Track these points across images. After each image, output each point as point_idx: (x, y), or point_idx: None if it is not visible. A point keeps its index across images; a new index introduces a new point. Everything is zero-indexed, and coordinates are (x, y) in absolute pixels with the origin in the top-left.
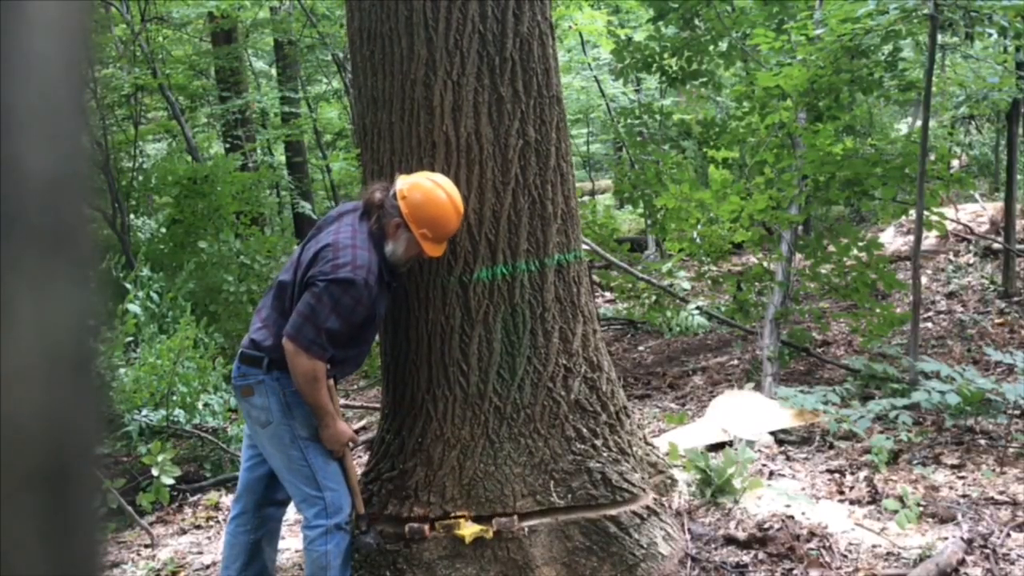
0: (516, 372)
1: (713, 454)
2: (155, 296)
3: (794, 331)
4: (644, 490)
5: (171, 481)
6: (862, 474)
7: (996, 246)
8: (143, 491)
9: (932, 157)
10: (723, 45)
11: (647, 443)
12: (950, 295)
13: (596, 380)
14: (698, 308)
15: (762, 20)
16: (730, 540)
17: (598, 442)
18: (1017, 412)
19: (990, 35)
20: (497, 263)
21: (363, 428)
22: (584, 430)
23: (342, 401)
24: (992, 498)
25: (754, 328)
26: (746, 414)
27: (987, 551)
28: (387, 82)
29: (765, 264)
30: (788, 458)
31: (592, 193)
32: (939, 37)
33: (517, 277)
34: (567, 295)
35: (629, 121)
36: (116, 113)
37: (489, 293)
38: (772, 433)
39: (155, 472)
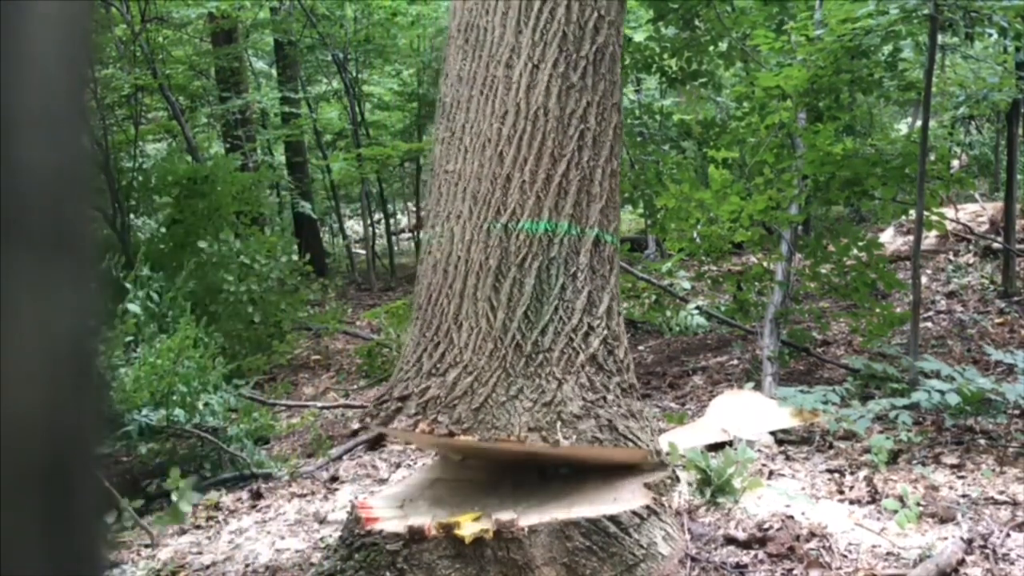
0: (542, 317)
1: (713, 454)
2: (155, 296)
3: (794, 331)
4: (651, 449)
5: (189, 509)
6: (862, 474)
7: (996, 246)
8: (158, 517)
9: (932, 157)
10: (723, 46)
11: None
12: (950, 295)
13: (615, 347)
14: (698, 308)
15: (762, 20)
16: (730, 540)
17: (609, 396)
18: (1017, 412)
19: (990, 35)
20: (542, 219)
21: (363, 428)
22: (597, 383)
23: (342, 401)
24: (992, 498)
25: (754, 328)
26: (746, 414)
27: (987, 551)
28: (474, 63)
29: (765, 264)
30: (788, 458)
31: None
32: (939, 38)
33: (558, 235)
34: (600, 268)
35: (629, 121)
36: (116, 113)
37: (530, 243)
38: (772, 433)
39: (174, 497)
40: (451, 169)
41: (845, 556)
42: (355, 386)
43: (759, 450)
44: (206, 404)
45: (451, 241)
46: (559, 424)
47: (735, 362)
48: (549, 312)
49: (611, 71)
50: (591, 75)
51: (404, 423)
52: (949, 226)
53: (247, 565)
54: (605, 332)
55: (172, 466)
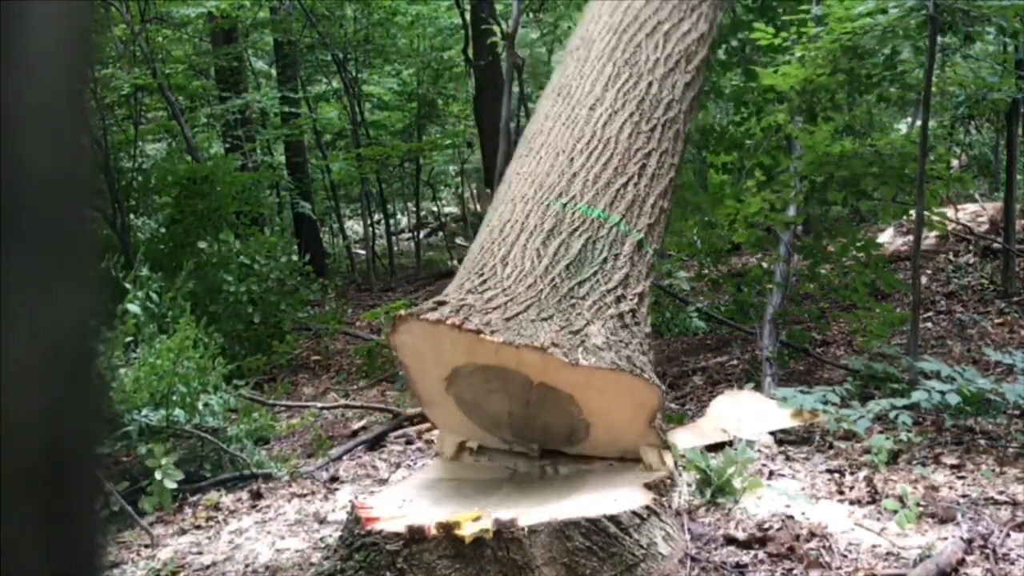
0: (581, 273)
1: (713, 454)
2: (155, 296)
3: (793, 332)
4: (659, 387)
5: (174, 485)
6: (862, 474)
7: (996, 246)
8: (145, 493)
9: (931, 157)
10: (721, 54)
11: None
12: (950, 295)
13: (641, 322)
14: (697, 310)
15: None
16: (730, 540)
17: (633, 342)
18: (1017, 412)
19: (989, 34)
20: (597, 207)
21: (363, 428)
22: (621, 331)
23: (342, 401)
24: (992, 498)
25: (753, 329)
26: (746, 414)
27: (987, 551)
28: (562, 106)
29: (764, 265)
30: (788, 458)
31: None
32: (939, 39)
33: (608, 223)
34: (638, 264)
35: None
36: (116, 113)
37: (583, 220)
38: (772, 433)
39: (158, 475)
40: (522, 171)
41: (845, 556)
42: (355, 386)
43: (759, 450)
44: (206, 404)
45: (511, 211)
46: (581, 350)
47: (735, 362)
48: (589, 273)
49: (675, 142)
50: (658, 134)
51: (436, 315)
52: (949, 226)
53: (247, 565)
54: (634, 307)
55: (156, 445)
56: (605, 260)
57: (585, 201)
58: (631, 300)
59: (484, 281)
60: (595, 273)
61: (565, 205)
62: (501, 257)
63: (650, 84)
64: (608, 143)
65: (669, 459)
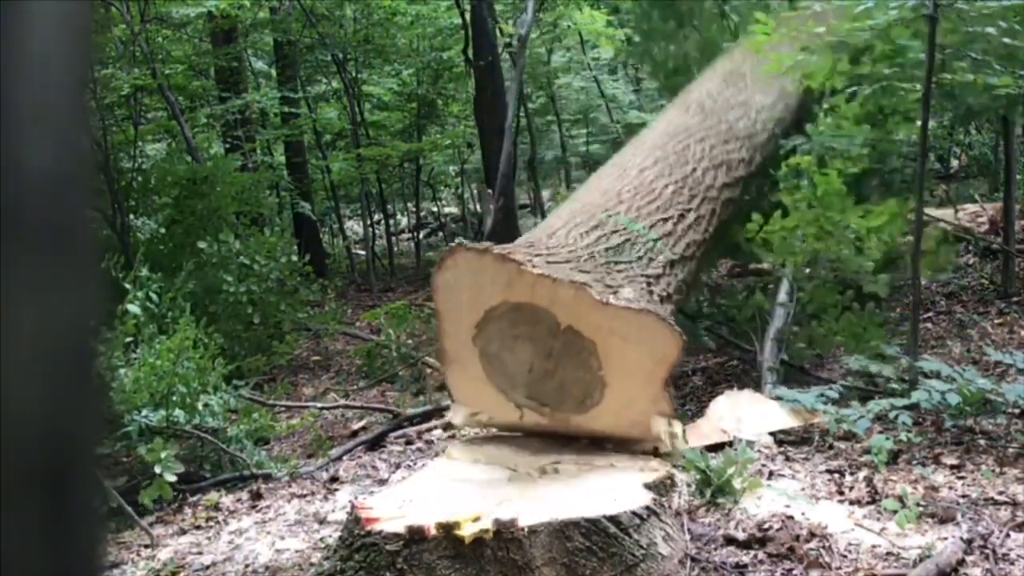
0: (619, 257)
1: (713, 454)
2: (155, 296)
3: (794, 350)
4: (680, 335)
5: (173, 478)
6: (862, 474)
7: (996, 246)
8: (144, 489)
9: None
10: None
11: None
12: (950, 295)
13: (667, 306)
14: (707, 329)
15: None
16: (730, 540)
17: (660, 307)
18: (1017, 412)
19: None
20: (637, 223)
21: (363, 428)
22: (650, 296)
23: (342, 401)
24: (992, 498)
25: (751, 348)
26: (746, 415)
27: (987, 551)
28: (613, 171)
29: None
30: (788, 458)
31: None
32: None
33: (645, 236)
34: (668, 276)
35: None
36: (116, 113)
37: (624, 228)
38: (772, 433)
39: (157, 469)
40: (567, 207)
41: (845, 556)
42: (355, 387)
43: (759, 450)
44: (206, 405)
45: (557, 218)
46: (611, 295)
47: (735, 363)
48: (625, 260)
49: (709, 217)
50: (696, 202)
51: (483, 248)
52: (949, 226)
53: (247, 565)
54: (662, 296)
55: (156, 439)
56: (640, 257)
57: (629, 216)
58: (659, 290)
59: (531, 246)
60: (630, 262)
61: (610, 216)
62: (547, 235)
63: (694, 169)
64: (653, 192)
65: (678, 428)
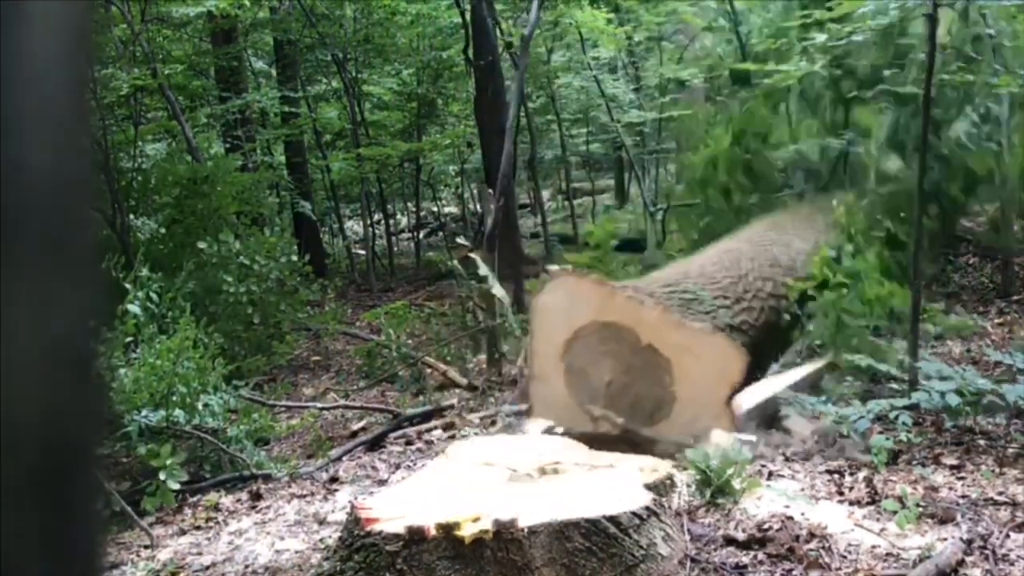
0: (691, 305)
1: (713, 455)
2: (155, 296)
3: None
4: (743, 353)
5: (177, 486)
6: (861, 475)
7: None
8: (147, 494)
9: None
10: None
11: None
12: (950, 295)
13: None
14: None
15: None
16: (730, 541)
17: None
18: (1017, 412)
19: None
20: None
21: (363, 429)
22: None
23: (342, 401)
24: (992, 499)
25: None
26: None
27: (987, 552)
28: (718, 256)
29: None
30: (787, 459)
31: (592, 193)
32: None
33: (709, 301)
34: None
35: None
36: (116, 113)
37: (694, 291)
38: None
39: (162, 476)
40: (655, 275)
41: (845, 557)
42: (355, 387)
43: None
44: (206, 405)
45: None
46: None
47: None
48: (694, 311)
49: (769, 313)
50: (754, 294)
51: (583, 273)
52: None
53: (246, 566)
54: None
55: (162, 445)
56: (706, 312)
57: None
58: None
59: (621, 286)
60: (698, 313)
61: (680, 283)
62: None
63: (746, 273)
64: (714, 280)
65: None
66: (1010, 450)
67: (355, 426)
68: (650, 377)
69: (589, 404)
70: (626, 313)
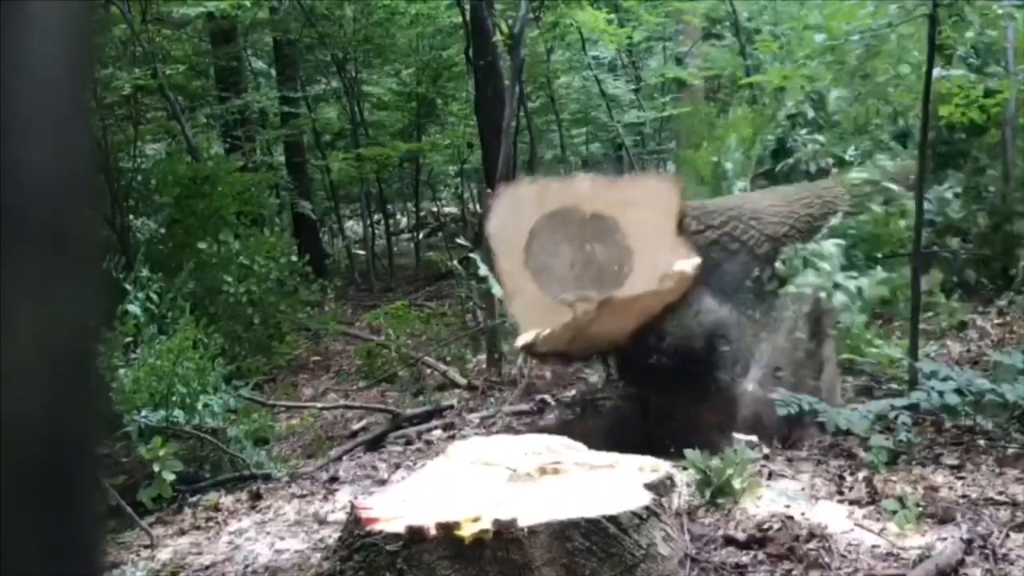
0: None
1: (712, 454)
2: (154, 297)
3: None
4: (677, 185)
5: (172, 476)
6: (861, 475)
7: None
8: (144, 488)
9: None
10: None
11: None
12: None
13: None
14: None
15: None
16: (729, 541)
17: None
18: (1017, 412)
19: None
20: None
21: (363, 429)
22: None
23: (342, 402)
24: (991, 498)
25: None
26: None
27: (986, 551)
28: None
29: None
30: (787, 459)
31: None
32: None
33: None
34: None
35: None
36: (116, 113)
37: None
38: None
39: (156, 467)
40: None
41: (844, 556)
42: (355, 387)
43: (759, 450)
44: (205, 405)
45: None
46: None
47: None
48: None
49: None
50: None
51: (517, 183)
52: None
53: (246, 566)
54: None
55: (155, 436)
56: None
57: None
58: None
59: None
60: None
61: None
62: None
63: None
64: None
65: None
66: (1010, 450)
67: (355, 426)
68: (604, 241)
69: (563, 294)
70: (563, 196)
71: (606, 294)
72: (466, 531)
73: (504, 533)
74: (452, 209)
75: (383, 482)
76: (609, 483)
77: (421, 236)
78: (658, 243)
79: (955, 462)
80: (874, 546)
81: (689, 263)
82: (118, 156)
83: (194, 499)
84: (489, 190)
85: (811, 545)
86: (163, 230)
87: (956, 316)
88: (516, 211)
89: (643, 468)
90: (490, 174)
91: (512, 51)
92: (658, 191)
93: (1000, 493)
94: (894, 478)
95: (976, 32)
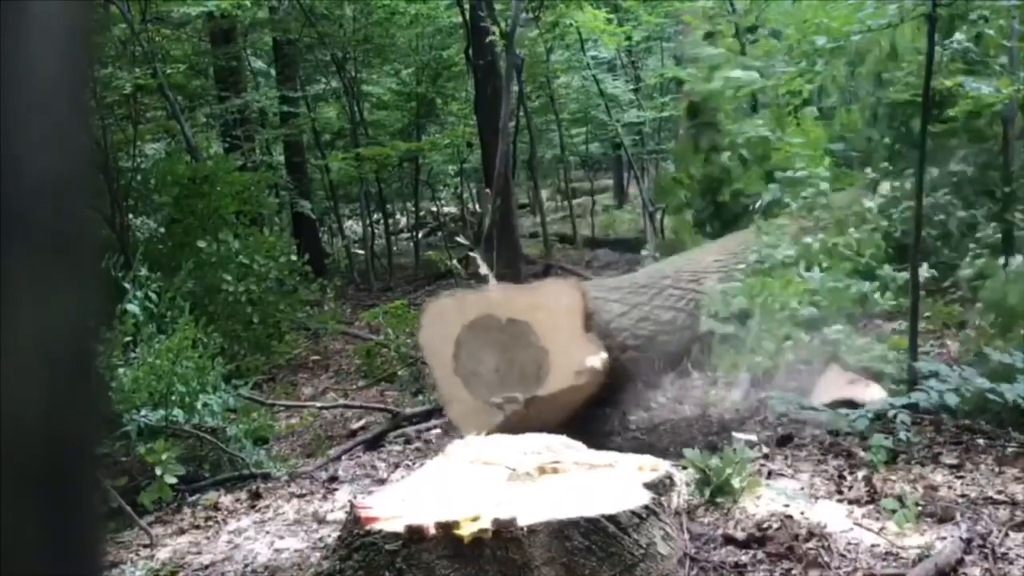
0: None
1: (712, 454)
2: (154, 296)
3: None
4: (578, 286)
5: (174, 480)
6: (861, 474)
7: None
8: (144, 489)
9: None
10: None
11: None
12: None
13: None
14: None
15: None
16: (729, 540)
17: None
18: (1016, 412)
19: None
20: None
21: (362, 428)
22: None
23: (342, 401)
24: (991, 498)
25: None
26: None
27: (986, 551)
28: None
29: None
30: (787, 458)
31: (591, 193)
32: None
33: None
34: None
35: None
36: (116, 113)
37: None
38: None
39: (158, 471)
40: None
41: (844, 556)
42: (354, 386)
43: (758, 450)
44: (205, 404)
45: None
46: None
47: None
48: None
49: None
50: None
51: (439, 298)
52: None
53: (246, 565)
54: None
55: (157, 441)
56: None
57: None
58: None
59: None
60: None
61: None
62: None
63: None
64: None
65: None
66: (1009, 449)
67: (354, 425)
68: (522, 344)
69: (491, 398)
70: (480, 306)
71: (530, 394)
72: (465, 530)
73: (503, 532)
74: (451, 209)
75: (382, 481)
76: (608, 482)
77: (420, 236)
78: (568, 342)
79: (954, 461)
80: (873, 545)
81: (598, 358)
82: (118, 156)
83: (193, 498)
84: (487, 189)
85: (810, 544)
86: (162, 229)
87: (955, 316)
88: (441, 323)
89: (642, 467)
90: (489, 173)
91: (506, 50)
92: (561, 294)
93: (999, 492)
94: (893, 477)
95: (974, 34)
